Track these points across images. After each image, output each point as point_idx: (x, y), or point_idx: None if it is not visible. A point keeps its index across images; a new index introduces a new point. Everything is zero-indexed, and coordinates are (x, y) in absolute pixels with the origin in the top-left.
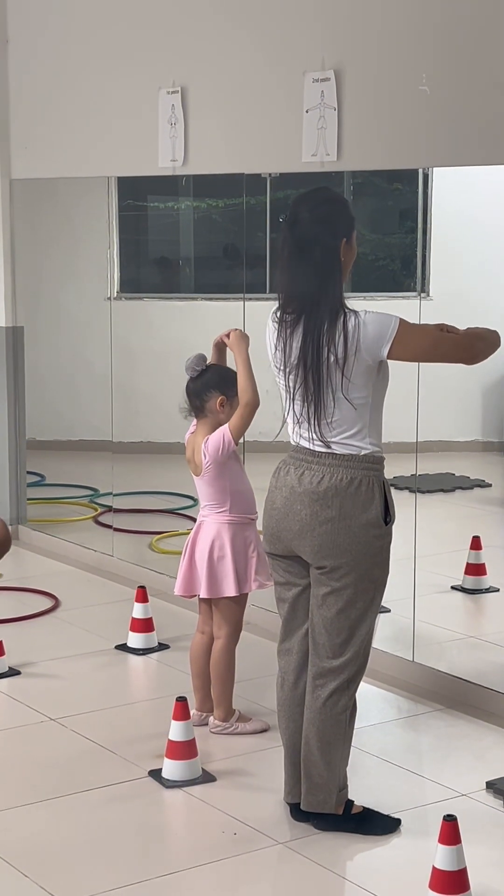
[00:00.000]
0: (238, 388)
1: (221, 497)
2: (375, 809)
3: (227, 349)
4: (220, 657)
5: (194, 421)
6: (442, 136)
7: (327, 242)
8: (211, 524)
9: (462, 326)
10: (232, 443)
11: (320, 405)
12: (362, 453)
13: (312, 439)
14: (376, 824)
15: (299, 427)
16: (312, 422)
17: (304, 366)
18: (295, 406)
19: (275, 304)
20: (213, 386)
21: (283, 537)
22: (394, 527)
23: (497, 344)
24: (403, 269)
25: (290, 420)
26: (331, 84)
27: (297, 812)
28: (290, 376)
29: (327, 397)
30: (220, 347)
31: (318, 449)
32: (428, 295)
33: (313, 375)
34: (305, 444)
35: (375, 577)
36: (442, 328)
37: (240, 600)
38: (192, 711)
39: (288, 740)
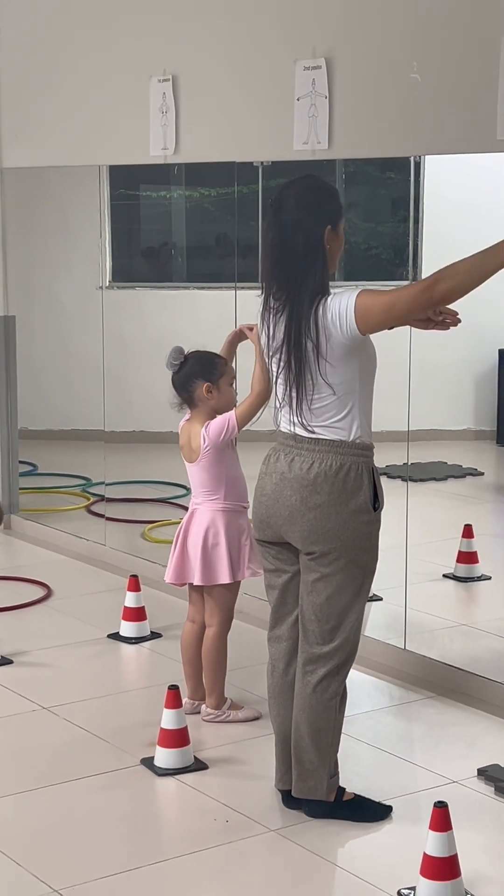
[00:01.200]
0: (252, 379)
1: (217, 484)
2: (367, 796)
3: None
4: (212, 645)
5: (187, 413)
6: (433, 123)
7: (311, 229)
8: (205, 512)
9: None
10: (236, 429)
11: (301, 389)
12: (351, 439)
13: (295, 424)
14: (368, 811)
15: (283, 411)
16: (295, 406)
17: (286, 350)
18: (278, 390)
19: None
20: (195, 375)
21: (272, 523)
22: (386, 515)
23: (459, 278)
24: (396, 257)
25: (276, 405)
26: (322, 72)
27: (289, 799)
28: (274, 360)
29: (307, 381)
30: (236, 341)
31: (304, 434)
32: None
33: (294, 359)
34: (292, 429)
35: (364, 563)
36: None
37: (233, 588)
38: (184, 700)
39: (279, 727)
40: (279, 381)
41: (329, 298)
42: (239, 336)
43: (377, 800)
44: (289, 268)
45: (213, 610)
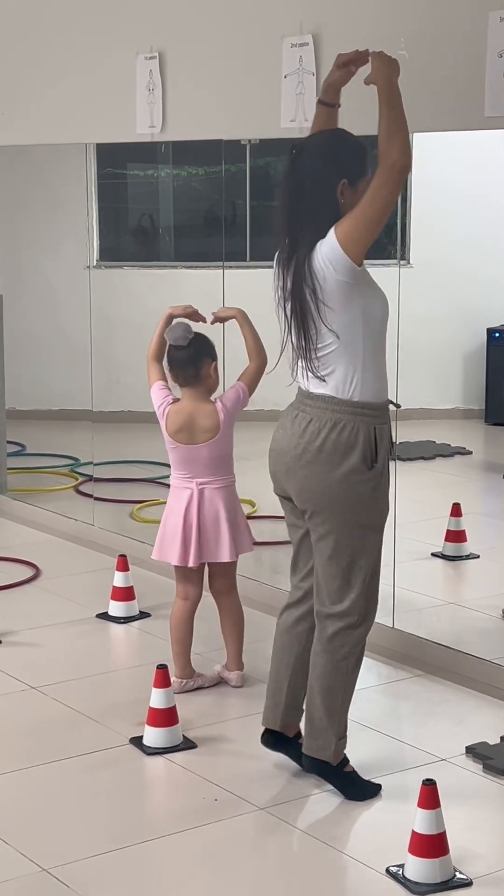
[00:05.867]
0: (251, 350)
1: (229, 459)
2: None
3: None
4: (239, 609)
5: (168, 394)
6: (421, 100)
7: (324, 180)
8: (218, 489)
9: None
10: (247, 394)
11: (307, 338)
12: (349, 397)
13: (308, 377)
14: (358, 789)
15: (298, 363)
16: (303, 354)
17: (292, 297)
18: (293, 337)
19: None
20: (205, 353)
21: (278, 478)
22: None
23: (401, 127)
24: (384, 235)
25: (290, 355)
26: (309, 49)
27: (271, 740)
28: (286, 308)
29: (311, 330)
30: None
31: (313, 390)
32: (408, 262)
33: (299, 307)
34: (305, 382)
35: (363, 522)
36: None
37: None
38: (173, 679)
39: (275, 666)
40: (292, 330)
41: (318, 243)
42: (169, 320)
43: (366, 778)
44: (299, 215)
45: (228, 580)
